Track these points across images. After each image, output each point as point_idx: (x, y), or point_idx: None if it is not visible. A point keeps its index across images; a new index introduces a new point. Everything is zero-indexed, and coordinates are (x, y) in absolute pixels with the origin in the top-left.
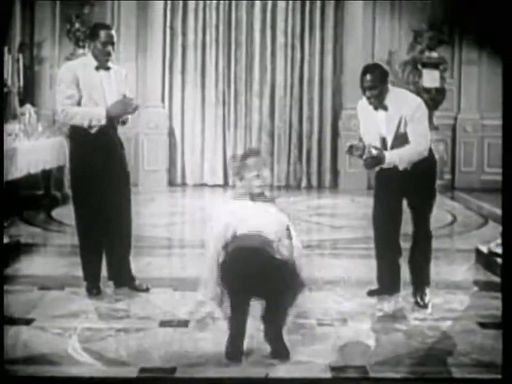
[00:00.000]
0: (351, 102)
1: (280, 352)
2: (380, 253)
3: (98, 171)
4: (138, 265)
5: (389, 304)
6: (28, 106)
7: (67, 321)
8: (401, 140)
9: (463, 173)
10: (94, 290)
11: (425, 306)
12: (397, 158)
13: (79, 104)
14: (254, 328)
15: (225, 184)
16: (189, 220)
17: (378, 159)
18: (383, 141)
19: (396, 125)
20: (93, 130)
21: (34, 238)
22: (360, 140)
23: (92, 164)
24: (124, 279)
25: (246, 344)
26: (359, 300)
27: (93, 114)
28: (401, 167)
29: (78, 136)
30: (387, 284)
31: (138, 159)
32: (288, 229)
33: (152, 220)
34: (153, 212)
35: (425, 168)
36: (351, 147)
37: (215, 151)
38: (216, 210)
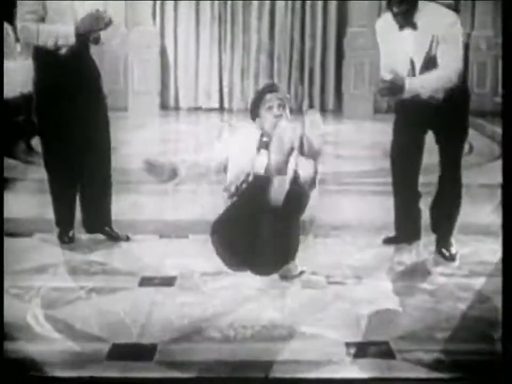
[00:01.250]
0: (358, 18)
1: None
2: (398, 194)
3: (68, 98)
4: (121, 206)
5: (409, 255)
6: (5, 25)
7: (30, 278)
8: (432, 64)
9: (476, 95)
10: (65, 238)
11: (452, 258)
12: (418, 84)
13: (43, 20)
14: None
15: (221, 108)
16: (182, 149)
17: (395, 86)
18: (410, 65)
19: (427, 46)
20: (62, 52)
21: (10, 172)
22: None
23: (60, 90)
24: (98, 225)
25: None
26: (373, 250)
27: (59, 33)
28: (424, 95)
29: (44, 59)
30: (406, 230)
31: (128, 81)
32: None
33: (141, 148)
34: (143, 139)
35: (456, 98)
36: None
37: (211, 73)
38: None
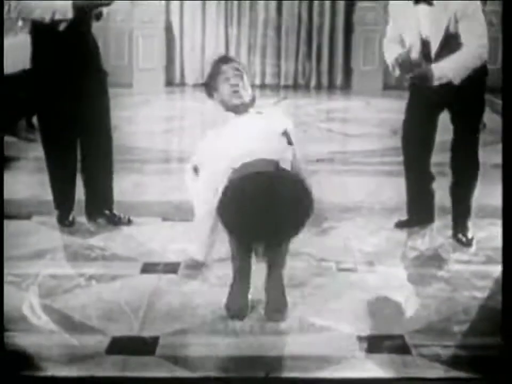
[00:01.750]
0: None
1: (277, 302)
2: (410, 176)
3: (66, 74)
4: (123, 186)
5: (422, 240)
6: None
7: (27, 265)
8: (450, 43)
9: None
10: (65, 221)
11: (468, 243)
12: (449, 70)
13: None
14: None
15: None
16: (188, 126)
17: (423, 77)
18: (425, 45)
19: (445, 22)
20: (60, 27)
21: (9, 150)
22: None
23: (57, 66)
24: (99, 208)
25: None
26: (385, 234)
27: (56, 6)
28: (456, 81)
29: (41, 34)
30: (418, 214)
31: (132, 57)
32: (287, 135)
33: (145, 126)
34: (148, 116)
35: (474, 75)
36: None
37: (217, 48)
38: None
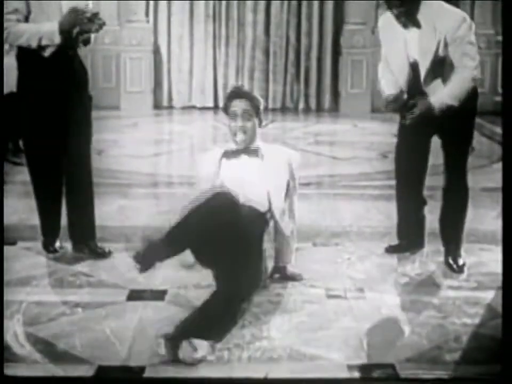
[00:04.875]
0: (354, 15)
1: None
2: (402, 200)
3: (51, 101)
4: (109, 210)
5: (412, 265)
6: None
7: (12, 291)
8: (439, 66)
9: None
10: (50, 247)
11: (460, 270)
12: (448, 97)
13: (27, 20)
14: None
15: (216, 107)
16: (176, 149)
17: (425, 110)
18: (414, 67)
19: (434, 45)
20: (47, 53)
21: None
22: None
23: (43, 93)
24: (81, 238)
25: None
26: (375, 260)
27: (43, 32)
28: (457, 104)
29: (27, 59)
30: (409, 239)
31: (120, 80)
32: (287, 186)
33: (132, 149)
34: (135, 139)
35: (465, 100)
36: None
37: (205, 71)
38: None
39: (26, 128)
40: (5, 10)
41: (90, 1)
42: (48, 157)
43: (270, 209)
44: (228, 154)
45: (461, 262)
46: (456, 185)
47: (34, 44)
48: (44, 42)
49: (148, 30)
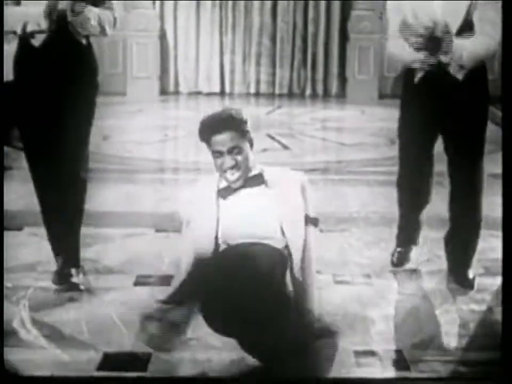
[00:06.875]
0: (362, 1)
1: None
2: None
3: (48, 90)
4: (115, 196)
5: (420, 251)
6: None
7: (18, 277)
8: (467, 30)
9: None
10: None
11: (470, 285)
12: (466, 45)
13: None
14: None
15: (222, 92)
16: (182, 135)
17: (442, 42)
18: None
19: (464, 8)
20: (36, 42)
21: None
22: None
23: (38, 83)
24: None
25: None
26: (382, 245)
27: (28, 15)
28: (467, 63)
29: (17, 47)
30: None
31: (126, 66)
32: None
33: (139, 135)
34: (141, 125)
35: (473, 88)
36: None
37: (211, 56)
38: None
39: (23, 117)
40: None
41: None
42: (45, 151)
43: (287, 245)
44: (223, 193)
45: (470, 275)
46: (465, 215)
47: (19, 30)
48: (29, 29)
49: (154, 15)
